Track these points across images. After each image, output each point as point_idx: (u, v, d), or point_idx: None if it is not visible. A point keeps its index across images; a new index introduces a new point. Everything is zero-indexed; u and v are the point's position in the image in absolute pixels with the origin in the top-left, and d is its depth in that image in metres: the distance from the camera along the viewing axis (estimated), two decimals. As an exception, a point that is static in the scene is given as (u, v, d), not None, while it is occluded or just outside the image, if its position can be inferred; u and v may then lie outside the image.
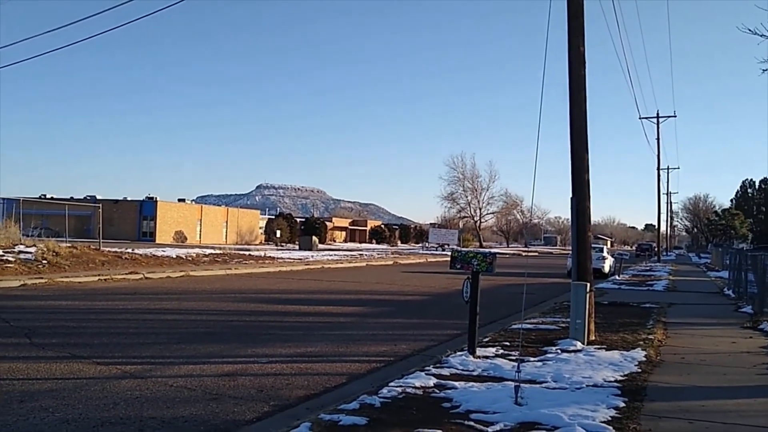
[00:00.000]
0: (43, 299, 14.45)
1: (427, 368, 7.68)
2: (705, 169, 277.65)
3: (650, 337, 10.74)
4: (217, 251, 35.36)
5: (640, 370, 7.91)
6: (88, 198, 62.92)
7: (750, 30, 11.88)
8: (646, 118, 52.21)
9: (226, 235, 70.93)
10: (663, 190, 68.35)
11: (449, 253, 9.42)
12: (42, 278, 17.80)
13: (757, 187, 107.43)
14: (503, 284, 21.87)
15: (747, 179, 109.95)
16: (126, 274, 20.59)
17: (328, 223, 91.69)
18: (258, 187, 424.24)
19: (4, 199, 30.35)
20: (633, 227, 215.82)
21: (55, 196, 59.50)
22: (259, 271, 27.17)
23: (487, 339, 10.04)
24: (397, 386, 6.68)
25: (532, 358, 8.49)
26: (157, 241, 57.15)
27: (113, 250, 26.73)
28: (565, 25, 10.96)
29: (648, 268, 41.57)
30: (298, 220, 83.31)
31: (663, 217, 74.04)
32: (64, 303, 13.94)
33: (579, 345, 9.50)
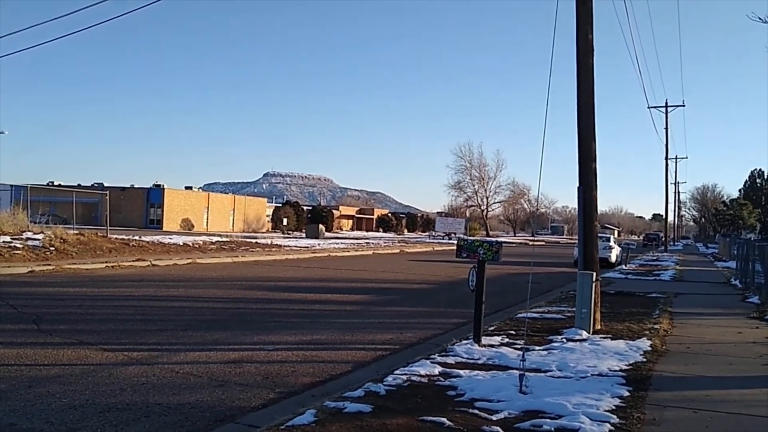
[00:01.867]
0: (50, 286, 14.53)
1: (432, 356, 7.70)
2: (713, 159, 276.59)
3: (656, 326, 10.73)
4: (224, 239, 35.43)
5: (645, 360, 7.91)
6: (96, 185, 62.94)
7: (760, 18, 11.78)
8: (654, 107, 51.98)
9: (233, 223, 71.09)
10: (671, 180, 68.16)
11: (456, 242, 9.41)
12: (49, 265, 17.89)
13: (765, 177, 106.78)
14: (509, 273, 21.84)
15: (756, 169, 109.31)
16: (133, 261, 20.68)
17: (335, 212, 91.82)
18: (265, 175, 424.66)
19: (12, 186, 30.51)
20: (640, 217, 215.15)
21: (62, 184, 59.78)
22: (265, 258, 27.23)
23: (492, 328, 10.04)
24: (402, 374, 6.70)
25: (537, 347, 8.50)
26: (165, 229, 57.32)
27: (120, 237, 26.83)
28: (574, 12, 10.89)
29: (655, 258, 41.46)
30: (305, 208, 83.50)
31: (671, 207, 73.71)
32: (72, 290, 14.02)
33: (584, 334, 9.50)
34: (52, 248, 20.51)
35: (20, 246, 19.73)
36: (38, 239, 20.97)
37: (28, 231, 22.22)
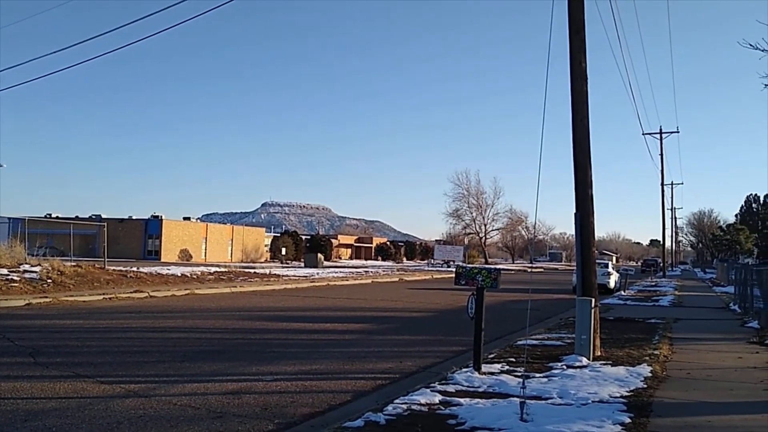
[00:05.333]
0: (47, 318, 14.45)
1: (432, 385, 7.66)
2: (709, 185, 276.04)
3: (656, 352, 10.68)
4: (222, 269, 35.38)
5: (646, 386, 7.87)
6: (93, 217, 63.00)
7: (751, 45, 11.91)
8: (649, 133, 52.36)
9: (232, 253, 70.98)
10: (667, 206, 68.33)
11: (454, 270, 9.41)
12: (47, 297, 17.82)
13: (761, 202, 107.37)
14: (508, 300, 21.78)
15: (751, 194, 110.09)
16: (131, 292, 20.60)
17: (333, 241, 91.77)
18: (263, 204, 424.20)
19: (10, 218, 30.50)
20: (638, 243, 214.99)
21: (60, 216, 59.72)
22: (264, 288, 27.14)
23: (492, 355, 10.00)
24: (402, 403, 6.65)
25: (537, 374, 8.46)
26: (163, 260, 57.19)
27: (118, 268, 26.76)
28: (567, 41, 11.03)
29: (653, 283, 41.37)
30: (304, 237, 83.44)
31: (668, 232, 73.92)
32: (69, 322, 13.94)
33: (584, 361, 9.46)
34: (49, 281, 20.44)
35: (17, 279, 19.67)
36: (35, 272, 20.92)
37: (26, 263, 22.17)
